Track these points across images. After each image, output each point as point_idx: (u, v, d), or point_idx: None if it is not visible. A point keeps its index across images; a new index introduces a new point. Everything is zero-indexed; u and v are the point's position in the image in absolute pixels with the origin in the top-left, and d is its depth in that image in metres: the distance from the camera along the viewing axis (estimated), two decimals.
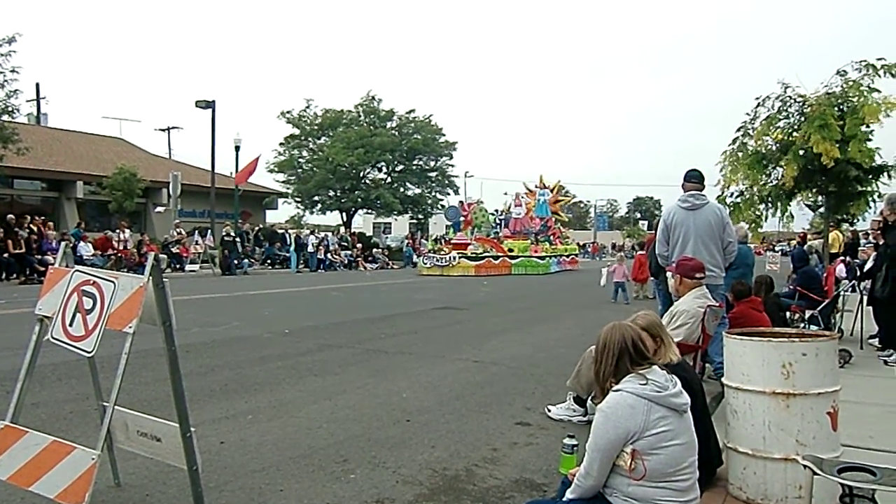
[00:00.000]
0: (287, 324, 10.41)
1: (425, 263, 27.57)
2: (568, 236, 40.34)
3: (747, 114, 9.61)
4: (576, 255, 36.14)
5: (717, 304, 5.57)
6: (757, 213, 9.76)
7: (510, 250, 28.89)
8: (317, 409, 5.47)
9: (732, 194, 9.73)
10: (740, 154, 9.47)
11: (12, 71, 21.30)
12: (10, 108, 22.01)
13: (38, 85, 40.13)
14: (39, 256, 19.28)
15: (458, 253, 27.40)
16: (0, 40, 20.90)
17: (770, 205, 9.73)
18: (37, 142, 27.25)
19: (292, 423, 5.06)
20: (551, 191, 33.89)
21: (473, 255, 27.52)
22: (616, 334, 2.86)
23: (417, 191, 48.86)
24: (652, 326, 3.68)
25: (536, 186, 33.65)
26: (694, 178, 6.36)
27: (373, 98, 49.14)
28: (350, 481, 3.92)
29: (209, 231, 26.81)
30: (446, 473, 4.09)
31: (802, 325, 8.79)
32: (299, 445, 4.54)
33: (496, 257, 28.18)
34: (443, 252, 27.92)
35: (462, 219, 30.98)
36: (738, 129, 9.61)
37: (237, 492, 3.72)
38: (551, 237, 32.87)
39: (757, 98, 9.52)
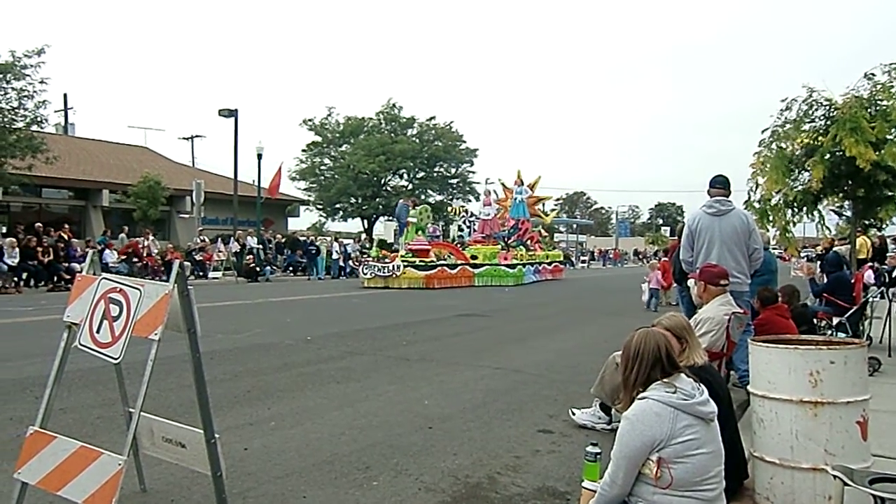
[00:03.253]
0: (309, 331, 10.46)
1: (366, 274, 22.70)
2: (552, 241, 34.95)
3: (774, 117, 9.51)
4: (559, 262, 31.38)
5: (742, 311, 5.50)
6: (785, 219, 9.64)
7: (473, 257, 24.63)
8: (339, 416, 5.48)
9: (761, 200, 9.61)
10: (771, 156, 9.34)
11: (41, 82, 21.73)
12: (38, 119, 22.45)
13: (65, 95, 40.95)
14: (66, 264, 19.61)
15: (404, 261, 22.32)
16: (29, 52, 21.34)
17: (797, 210, 9.60)
18: (64, 151, 27.76)
19: (315, 430, 5.07)
20: (530, 188, 29.17)
21: (422, 263, 22.42)
22: (650, 343, 2.81)
23: (439, 198, 48.98)
24: (676, 327, 3.61)
25: (514, 183, 28.94)
26: (719, 184, 6.29)
27: (394, 105, 49.47)
28: (372, 488, 3.92)
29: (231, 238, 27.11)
30: (469, 481, 4.07)
31: (829, 332, 8.64)
32: (322, 452, 4.55)
33: (453, 266, 23.44)
34: (385, 260, 22.96)
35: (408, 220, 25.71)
36: (766, 131, 9.49)
37: (260, 498, 3.74)
38: (528, 242, 28.31)
39: (783, 100, 9.42)
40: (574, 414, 5.40)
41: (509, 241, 26.88)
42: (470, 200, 49.42)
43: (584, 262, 56.17)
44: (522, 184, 28.83)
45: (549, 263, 29.17)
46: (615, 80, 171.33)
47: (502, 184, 30.13)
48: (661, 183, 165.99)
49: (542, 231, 32.28)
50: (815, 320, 8.97)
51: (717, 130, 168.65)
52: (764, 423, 3.52)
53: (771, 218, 9.56)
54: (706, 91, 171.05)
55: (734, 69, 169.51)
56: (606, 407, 5.24)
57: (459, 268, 23.68)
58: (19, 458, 3.00)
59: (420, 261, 22.40)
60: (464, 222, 29.75)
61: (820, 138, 9.02)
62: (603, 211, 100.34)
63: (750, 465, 3.76)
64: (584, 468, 3.85)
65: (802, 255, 35.86)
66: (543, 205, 32.40)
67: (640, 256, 66.38)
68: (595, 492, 2.85)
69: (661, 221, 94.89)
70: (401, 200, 27.98)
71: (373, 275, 22.41)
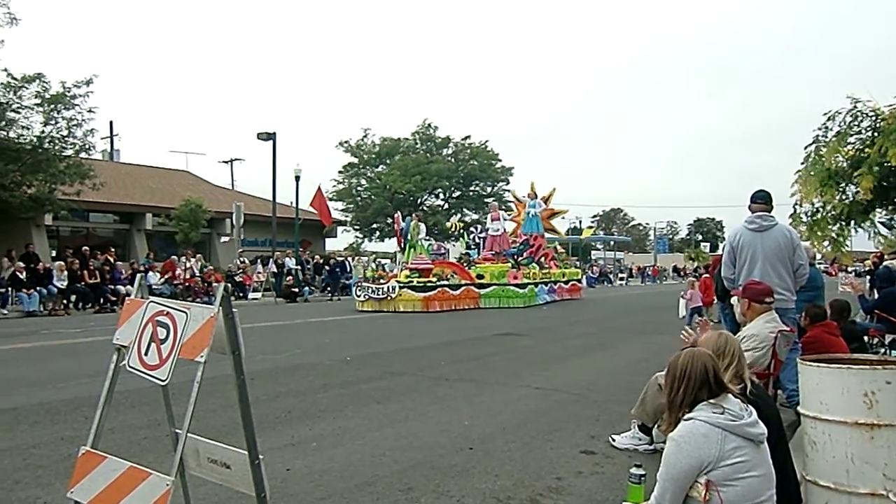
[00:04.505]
0: (348, 351, 10.52)
1: (359, 296, 20.69)
2: (567, 258, 32.75)
3: (818, 129, 9.35)
4: (577, 280, 29.04)
5: (789, 329, 5.36)
6: (833, 233, 9.43)
7: (479, 276, 22.32)
8: (380, 437, 5.49)
9: (808, 213, 9.44)
10: (815, 168, 9.17)
11: (89, 111, 22.55)
12: (86, 147, 23.26)
13: (111, 123, 42.34)
14: (112, 286, 20.13)
15: (399, 282, 20.21)
16: (78, 83, 22.13)
17: (845, 223, 9.39)
18: (110, 177, 28.62)
19: (356, 451, 5.08)
20: (545, 201, 26.83)
21: (420, 283, 20.23)
22: (697, 364, 2.76)
23: (475, 216, 49.13)
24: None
25: (527, 196, 26.63)
26: (761, 199, 6.17)
27: (429, 125, 50.04)
28: None
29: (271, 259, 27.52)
30: (510, 503, 4.03)
31: (883, 350, 8.36)
32: (363, 473, 4.55)
33: (456, 286, 21.13)
34: (381, 281, 21.00)
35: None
36: (811, 144, 9.34)
37: None
38: (542, 259, 25.97)
39: (826, 113, 9.26)
40: (614, 440, 5.30)
41: (520, 259, 24.42)
42: (507, 219, 49.48)
43: (622, 279, 55.51)
44: (536, 196, 26.46)
45: (566, 282, 26.96)
46: (650, 97, 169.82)
47: (515, 196, 28.29)
48: (699, 198, 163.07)
49: (558, 247, 30.84)
50: (866, 338, 8.69)
51: (755, 145, 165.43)
52: (816, 445, 3.41)
53: (820, 233, 9.36)
54: (743, 106, 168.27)
55: (771, 83, 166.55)
56: (646, 428, 5.14)
57: (463, 288, 21.40)
58: (72, 477, 3.06)
59: (418, 281, 20.35)
60: (472, 239, 27.55)
61: (867, 149, 8.82)
62: (640, 227, 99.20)
63: (802, 488, 3.64)
64: (629, 490, 3.78)
65: (850, 269, 34.63)
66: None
67: (680, 273, 65.33)
68: None
69: (700, 237, 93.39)
70: (403, 215, 26.27)
71: (366, 297, 20.43)
